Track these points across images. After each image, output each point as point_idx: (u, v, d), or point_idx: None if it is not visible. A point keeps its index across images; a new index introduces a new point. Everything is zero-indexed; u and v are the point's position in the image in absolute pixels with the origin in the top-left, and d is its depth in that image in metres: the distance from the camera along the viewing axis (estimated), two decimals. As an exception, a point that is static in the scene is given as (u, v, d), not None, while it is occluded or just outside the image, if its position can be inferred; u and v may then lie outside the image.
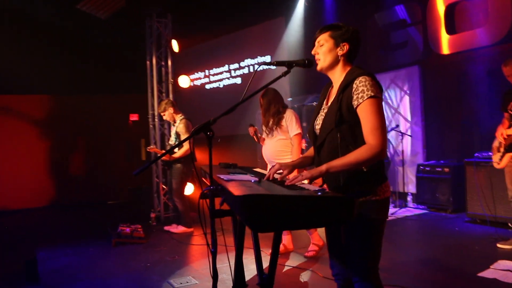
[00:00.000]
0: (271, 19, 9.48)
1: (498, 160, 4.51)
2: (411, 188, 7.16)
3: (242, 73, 10.32)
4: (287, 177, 2.17)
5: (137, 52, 8.93)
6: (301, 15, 8.84)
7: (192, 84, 10.08)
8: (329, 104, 2.26)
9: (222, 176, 2.11)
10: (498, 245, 4.52)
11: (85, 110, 9.89)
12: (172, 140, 6.02)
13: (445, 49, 6.83)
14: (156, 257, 4.88)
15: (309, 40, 8.77)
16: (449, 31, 6.75)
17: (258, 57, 9.82)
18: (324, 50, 2.25)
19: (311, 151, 2.43)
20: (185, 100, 9.16)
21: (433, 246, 4.89)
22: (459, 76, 6.82)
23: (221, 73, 10.89)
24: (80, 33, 9.13)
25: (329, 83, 2.40)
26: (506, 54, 5.79)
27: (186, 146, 5.74)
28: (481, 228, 5.30)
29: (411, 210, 6.75)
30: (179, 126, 5.90)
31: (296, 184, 1.99)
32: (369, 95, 2.06)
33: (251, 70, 10.06)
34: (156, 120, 7.17)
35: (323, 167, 2.02)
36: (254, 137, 4.68)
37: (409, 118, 7.37)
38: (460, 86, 6.82)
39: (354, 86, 2.11)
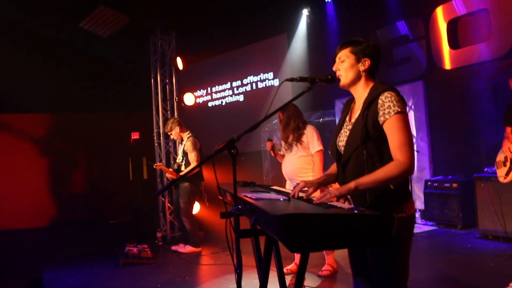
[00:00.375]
0: (274, 36, 9.54)
1: (504, 174, 4.49)
2: (419, 204, 7.10)
3: (244, 90, 10.34)
4: (312, 195, 2.13)
5: (138, 69, 8.95)
6: (304, 32, 8.90)
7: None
8: (353, 120, 2.22)
9: (249, 195, 2.06)
10: (514, 261, 4.46)
11: (85, 128, 9.86)
12: (180, 159, 5.97)
13: (449, 64, 6.85)
14: (165, 277, 4.80)
15: (312, 57, 8.90)
16: (452, 46, 6.78)
17: (261, 74, 9.85)
18: (345, 66, 2.22)
19: (333, 168, 2.39)
20: (188, 118, 9.15)
21: (447, 264, 4.81)
22: (463, 91, 6.83)
23: (223, 90, 10.91)
24: (82, 50, 9.14)
25: (351, 99, 2.37)
26: (510, 68, 5.81)
27: (193, 165, 5.69)
28: (494, 244, 5.23)
29: (420, 226, 6.68)
30: (186, 144, 5.85)
31: (325, 202, 1.94)
32: (396, 111, 2.03)
33: (254, 87, 10.08)
34: (161, 138, 7.13)
35: (352, 184, 1.98)
36: (271, 151, 4.62)
37: (415, 134, 7.34)
38: (464, 101, 6.83)
39: (380, 102, 2.08)
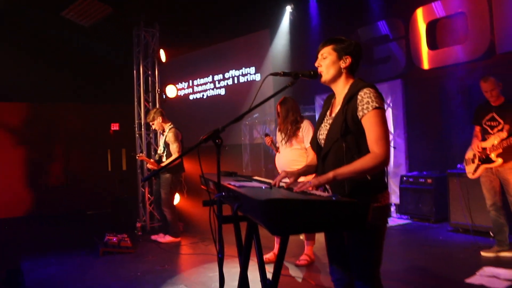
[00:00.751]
0: (256, 31, 9.61)
1: (473, 171, 4.71)
2: (395, 198, 7.30)
3: (226, 84, 10.39)
4: (293, 184, 2.23)
5: (120, 61, 8.93)
6: (287, 28, 9.00)
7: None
8: (333, 115, 2.33)
9: (232, 183, 2.15)
10: (482, 253, 4.67)
11: (64, 119, 9.77)
12: (161, 150, 6.03)
13: (427, 64, 7.03)
14: (145, 266, 4.86)
15: (294, 53, 9.01)
16: (431, 46, 6.97)
17: (243, 68, 9.92)
18: (327, 63, 2.32)
19: (313, 160, 2.50)
20: (169, 110, 9.17)
21: (419, 255, 5.00)
22: (440, 90, 7.04)
23: (205, 83, 10.94)
24: (63, 40, 9.06)
25: (332, 95, 2.47)
26: (484, 70, 6.02)
27: (174, 155, 5.75)
28: (464, 237, 5.45)
29: (395, 220, 6.88)
30: (168, 135, 5.91)
31: (305, 190, 2.05)
32: (374, 107, 2.15)
33: (236, 81, 10.15)
34: (142, 129, 7.15)
35: (330, 174, 2.09)
36: (272, 146, 4.72)
37: (392, 131, 7.54)
38: (441, 100, 7.04)
39: (359, 97, 2.19)
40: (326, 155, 2.27)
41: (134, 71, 7.24)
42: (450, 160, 6.57)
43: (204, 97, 10.94)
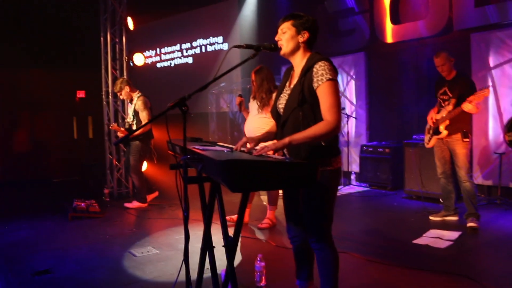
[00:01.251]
0: (224, 0, 9.60)
1: (428, 140, 5.03)
2: (355, 167, 7.66)
3: (193, 53, 10.39)
4: (253, 148, 2.43)
5: (85, 27, 8.78)
6: (255, -2, 9.03)
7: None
8: (291, 86, 2.52)
9: (197, 147, 2.33)
10: (430, 217, 5.05)
11: (28, 85, 9.52)
12: (130, 118, 6.10)
13: (389, 38, 7.27)
14: (114, 230, 5.02)
15: (262, 23, 9.08)
16: (394, 21, 7.20)
17: (211, 37, 9.93)
18: (286, 37, 2.50)
19: (273, 127, 2.70)
20: (137, 78, 9.15)
21: (374, 219, 5.36)
22: (401, 64, 7.33)
23: (172, 52, 10.90)
24: (27, 4, 8.82)
25: (291, 67, 2.65)
26: (443, 45, 6.31)
27: (145, 123, 5.86)
28: (416, 203, 5.85)
29: (354, 187, 7.25)
30: (137, 104, 5.98)
31: (263, 154, 2.25)
32: (327, 78, 2.34)
33: (203, 50, 10.16)
34: (110, 97, 7.17)
35: (286, 140, 2.29)
36: (238, 106, 4.94)
37: (354, 102, 7.84)
38: (401, 73, 7.33)
39: (314, 70, 2.38)
40: (284, 123, 2.47)
41: (102, 38, 7.18)
42: (407, 131, 6.93)
43: (172, 65, 10.92)
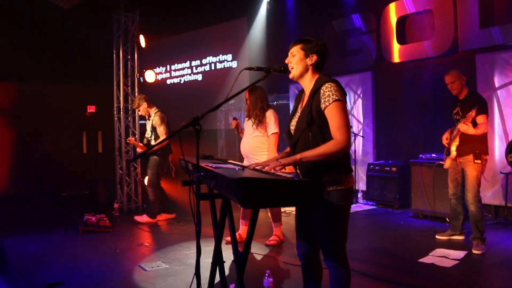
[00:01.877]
0: (234, 18, 9.81)
1: (445, 161, 4.98)
2: (362, 185, 7.71)
3: (203, 70, 10.59)
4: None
5: (98, 44, 8.98)
6: (264, 17, 9.23)
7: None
8: (302, 108, 2.62)
9: (210, 164, 2.42)
10: (437, 236, 5.09)
11: (40, 100, 9.65)
12: (149, 134, 6.25)
13: (396, 58, 7.39)
14: (124, 244, 5.11)
15: (270, 42, 9.26)
16: (400, 41, 7.33)
17: (220, 55, 10.12)
18: (295, 60, 2.61)
19: (288, 150, 2.80)
20: (147, 94, 9.32)
21: (381, 237, 5.40)
22: (407, 83, 7.43)
23: (182, 69, 11.10)
24: (42, 21, 9.05)
25: (302, 90, 2.76)
26: (449, 65, 6.41)
27: (162, 138, 6.00)
28: (423, 222, 5.88)
29: (361, 206, 7.29)
30: (154, 119, 6.14)
31: (274, 172, 2.33)
32: (334, 99, 2.44)
33: (213, 67, 10.35)
34: (121, 112, 7.31)
35: (297, 156, 2.39)
36: (235, 129, 5.06)
37: (361, 120, 7.92)
38: (407, 92, 7.43)
39: (321, 91, 2.48)
40: (296, 143, 2.56)
41: (114, 55, 7.36)
42: (414, 149, 6.98)
43: (182, 82, 11.11)
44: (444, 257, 4.35)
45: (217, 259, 2.63)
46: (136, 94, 7.27)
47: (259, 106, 4.77)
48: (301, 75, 2.61)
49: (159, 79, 11.48)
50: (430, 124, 6.96)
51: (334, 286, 2.57)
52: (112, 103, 7.44)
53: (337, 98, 2.43)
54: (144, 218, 6.23)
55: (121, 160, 7.31)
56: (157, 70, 11.50)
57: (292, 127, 2.63)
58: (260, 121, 4.75)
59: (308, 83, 2.62)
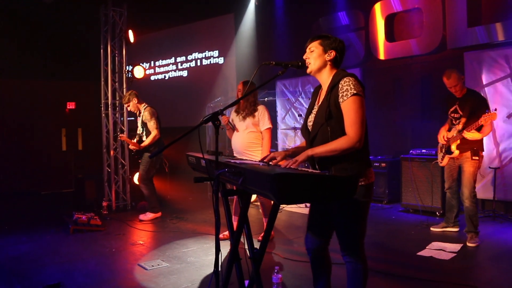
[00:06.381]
0: (221, 14, 9.73)
1: (440, 159, 5.07)
2: (350, 181, 7.76)
3: (188, 66, 10.48)
4: (280, 162, 2.50)
5: (82, 39, 8.80)
6: (252, 14, 9.19)
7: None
8: (319, 103, 2.61)
9: (232, 161, 2.39)
10: (432, 228, 5.19)
11: (18, 96, 9.36)
12: (140, 130, 6.14)
13: (383, 55, 7.48)
14: (118, 243, 5.01)
15: (258, 38, 9.22)
16: (388, 38, 7.42)
17: (206, 51, 10.04)
18: (314, 56, 2.60)
19: (302, 144, 2.79)
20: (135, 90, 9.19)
21: (375, 232, 5.44)
22: (396, 80, 7.54)
23: (167, 65, 10.97)
24: (25, 15, 8.80)
25: (319, 86, 2.75)
26: (437, 63, 6.53)
27: (153, 132, 5.92)
28: (414, 217, 5.98)
29: (351, 201, 7.34)
30: (144, 115, 6.05)
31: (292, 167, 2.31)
32: (352, 93, 2.43)
33: (198, 63, 10.25)
34: (109, 109, 7.17)
35: (309, 152, 2.39)
36: (228, 125, 4.97)
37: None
38: (396, 89, 7.54)
39: (340, 86, 2.48)
40: (314, 138, 2.55)
41: (102, 51, 7.20)
42: (402, 145, 7.10)
43: (166, 78, 10.98)
44: (441, 250, 4.44)
45: (234, 257, 2.60)
46: (125, 90, 7.14)
47: (251, 100, 4.78)
48: (319, 70, 2.60)
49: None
50: (418, 120, 7.08)
51: (352, 281, 2.58)
52: (93, 99, 7.28)
53: (355, 92, 2.43)
54: (148, 216, 6.15)
55: (108, 158, 7.18)
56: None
57: (310, 123, 2.62)
58: (247, 114, 4.74)
59: (326, 78, 2.61)
